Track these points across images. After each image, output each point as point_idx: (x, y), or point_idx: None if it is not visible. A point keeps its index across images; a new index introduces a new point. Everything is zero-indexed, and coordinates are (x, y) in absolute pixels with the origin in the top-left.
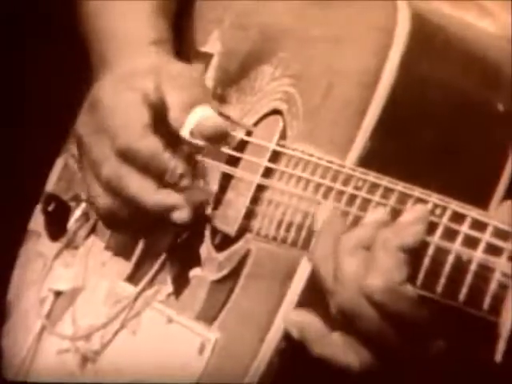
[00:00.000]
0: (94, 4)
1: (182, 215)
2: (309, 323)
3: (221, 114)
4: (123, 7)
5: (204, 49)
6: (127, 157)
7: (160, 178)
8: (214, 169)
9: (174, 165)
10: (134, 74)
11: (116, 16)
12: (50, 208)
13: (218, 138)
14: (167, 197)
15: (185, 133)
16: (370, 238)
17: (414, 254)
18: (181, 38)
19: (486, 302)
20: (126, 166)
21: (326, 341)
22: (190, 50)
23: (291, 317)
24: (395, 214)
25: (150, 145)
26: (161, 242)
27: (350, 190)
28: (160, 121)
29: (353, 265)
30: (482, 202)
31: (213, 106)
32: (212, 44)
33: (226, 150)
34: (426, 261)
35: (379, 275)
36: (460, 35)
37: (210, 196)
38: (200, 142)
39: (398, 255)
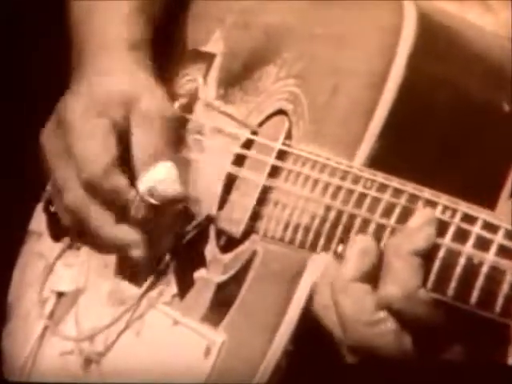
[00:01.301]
0: (77, 5)
1: (137, 253)
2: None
3: (225, 114)
4: (102, 9)
5: (206, 48)
6: (91, 189)
7: (122, 213)
8: (219, 169)
9: (138, 204)
10: (105, 99)
11: (95, 16)
12: (52, 208)
13: (173, 203)
14: (124, 234)
15: (142, 189)
16: (358, 270)
17: (426, 256)
18: (173, 40)
19: (498, 304)
20: (88, 196)
21: None
22: (182, 51)
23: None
24: (405, 215)
25: (114, 183)
26: (164, 243)
27: (357, 191)
28: (126, 149)
29: (348, 303)
30: (489, 201)
31: (176, 159)
32: (214, 44)
33: (231, 149)
34: (437, 264)
35: (395, 283)
36: (465, 35)
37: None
38: (154, 202)
39: (412, 260)
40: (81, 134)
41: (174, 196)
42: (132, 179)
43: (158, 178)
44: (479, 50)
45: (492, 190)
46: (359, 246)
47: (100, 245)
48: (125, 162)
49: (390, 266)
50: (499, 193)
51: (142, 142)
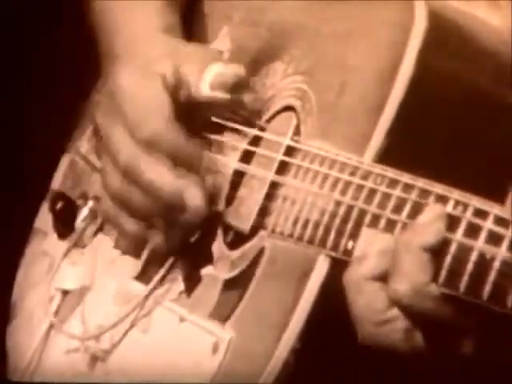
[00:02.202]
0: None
1: (197, 202)
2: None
3: (231, 112)
4: (131, 2)
5: (213, 45)
6: (149, 147)
7: (180, 167)
8: (227, 166)
9: (198, 155)
10: (150, 60)
11: (124, 9)
12: (58, 206)
13: (237, 87)
14: (185, 184)
15: (205, 88)
16: (375, 268)
17: (437, 251)
18: (190, 36)
19: (510, 299)
20: (145, 154)
21: None
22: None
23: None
24: (416, 210)
25: (174, 137)
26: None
27: (368, 186)
28: (181, 105)
29: (362, 303)
30: (499, 196)
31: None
32: (221, 41)
33: (239, 145)
34: (449, 259)
35: (405, 279)
36: (474, 32)
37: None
38: (221, 95)
39: (422, 255)
40: (133, 96)
41: (234, 76)
42: None
43: (214, 72)
44: (489, 46)
45: (502, 185)
46: (380, 246)
47: (154, 209)
48: None
49: (400, 261)
50: (508, 188)
51: (193, 64)
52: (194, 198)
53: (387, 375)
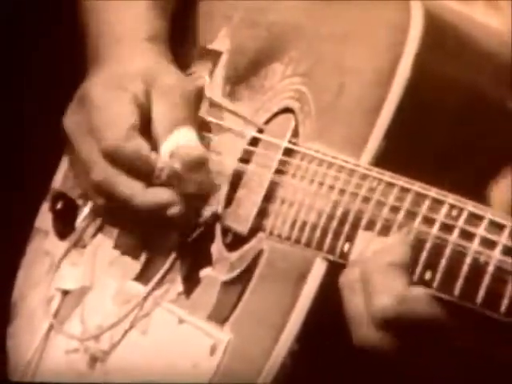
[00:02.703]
0: (91, 2)
1: (175, 210)
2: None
3: (231, 112)
4: (119, 3)
5: (212, 46)
6: (113, 158)
7: (148, 177)
8: (225, 167)
9: (161, 165)
10: (126, 75)
11: (111, 11)
12: (58, 206)
13: (195, 166)
14: (156, 195)
15: (164, 153)
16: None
17: (433, 256)
18: (183, 38)
19: (504, 304)
20: (113, 168)
21: None
22: (192, 50)
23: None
24: (411, 214)
25: (136, 146)
26: (170, 241)
27: (364, 189)
28: (146, 124)
29: (356, 300)
30: None
31: (196, 129)
32: (221, 41)
33: (237, 147)
34: (443, 263)
35: (382, 294)
36: (472, 33)
37: (205, 185)
38: (176, 166)
39: (391, 269)
40: (101, 105)
41: (197, 157)
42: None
43: (179, 142)
44: (487, 48)
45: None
46: (375, 248)
47: (135, 217)
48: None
49: (373, 280)
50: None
51: (163, 111)
52: (173, 207)
53: (384, 377)
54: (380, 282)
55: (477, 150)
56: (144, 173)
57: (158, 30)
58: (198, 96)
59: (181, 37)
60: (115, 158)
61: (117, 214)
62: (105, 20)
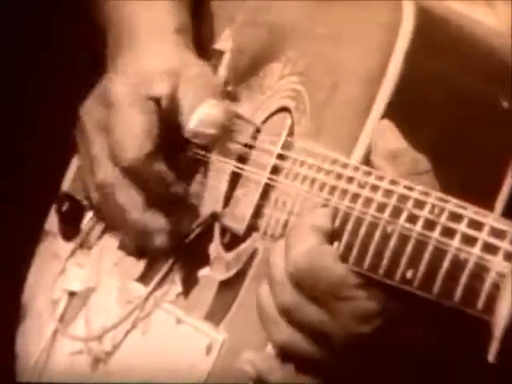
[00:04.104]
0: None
1: (159, 241)
2: (261, 359)
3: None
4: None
5: (216, 46)
6: (129, 174)
7: (154, 199)
8: (223, 166)
9: (175, 190)
10: (150, 76)
11: (137, 4)
12: (64, 208)
13: (221, 133)
14: (152, 220)
15: (191, 125)
16: None
17: (414, 254)
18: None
19: (481, 301)
20: (122, 178)
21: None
22: (201, 48)
23: (245, 357)
24: (397, 212)
25: (157, 169)
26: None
27: (353, 188)
28: (169, 127)
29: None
30: (488, 199)
31: (224, 103)
32: (224, 41)
33: (234, 147)
34: (424, 261)
35: (295, 248)
36: (465, 32)
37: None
38: (205, 134)
39: (310, 230)
40: (124, 117)
41: (219, 122)
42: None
43: (204, 111)
44: (480, 46)
45: (490, 187)
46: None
47: (121, 226)
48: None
49: (291, 238)
50: (497, 190)
51: (189, 94)
52: (159, 238)
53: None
54: (296, 238)
55: (467, 147)
56: (154, 194)
57: (184, 22)
58: (221, 88)
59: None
60: (131, 176)
61: (106, 215)
62: (131, 13)
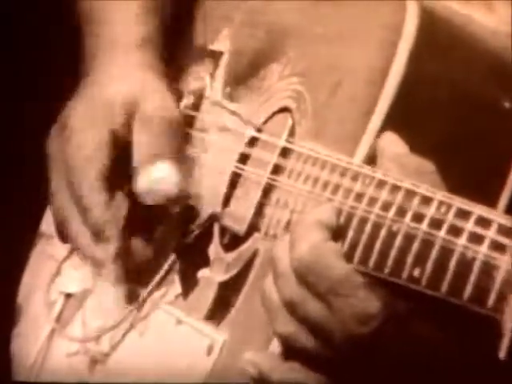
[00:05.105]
0: (88, 7)
1: (111, 269)
2: (263, 358)
3: (231, 112)
4: (113, 9)
5: (214, 47)
6: (75, 200)
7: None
8: (224, 168)
9: (109, 227)
10: (108, 102)
11: (106, 12)
12: None
13: (171, 202)
14: (97, 251)
15: (140, 187)
16: None
17: (420, 252)
18: (183, 38)
19: (491, 299)
20: (72, 204)
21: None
22: (191, 51)
23: (247, 357)
24: (401, 211)
25: (95, 201)
26: (169, 242)
27: (357, 187)
28: (126, 154)
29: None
30: (491, 198)
31: (177, 160)
32: (222, 42)
33: (235, 147)
34: (431, 259)
35: (300, 243)
36: (467, 32)
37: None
38: (149, 201)
39: (315, 224)
40: (76, 141)
41: (169, 195)
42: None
43: (155, 176)
44: (482, 47)
45: (493, 186)
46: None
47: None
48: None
49: (296, 232)
50: (501, 190)
51: (143, 142)
52: (104, 269)
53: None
54: (301, 233)
55: (470, 148)
56: (94, 226)
57: (150, 34)
58: (181, 122)
59: (178, 38)
60: (76, 200)
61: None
62: (99, 26)
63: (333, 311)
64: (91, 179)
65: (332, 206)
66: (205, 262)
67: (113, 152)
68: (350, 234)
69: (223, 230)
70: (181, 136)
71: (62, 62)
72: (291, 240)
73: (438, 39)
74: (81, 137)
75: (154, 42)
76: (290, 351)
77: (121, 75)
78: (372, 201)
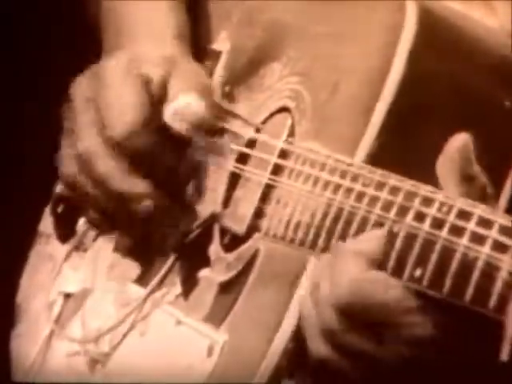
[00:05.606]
0: None
1: (144, 208)
2: None
3: (228, 113)
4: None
5: (213, 46)
6: (112, 146)
7: (136, 165)
8: (222, 167)
9: (167, 163)
10: (148, 58)
11: (135, 4)
12: (59, 209)
13: (196, 127)
14: (133, 184)
15: (167, 114)
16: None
17: (422, 253)
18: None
19: (492, 300)
20: (104, 147)
21: None
22: (198, 48)
23: None
24: (402, 212)
25: (142, 143)
26: (169, 243)
27: (357, 187)
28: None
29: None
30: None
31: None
32: (221, 42)
33: (235, 147)
34: (433, 260)
35: (340, 279)
36: (467, 32)
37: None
38: (179, 127)
39: (356, 256)
40: (115, 91)
41: (195, 119)
42: None
43: (183, 101)
44: (482, 47)
45: (494, 185)
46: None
47: (97, 200)
48: None
49: (336, 265)
50: (500, 190)
51: (179, 81)
52: (143, 204)
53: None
54: (341, 266)
55: None
56: (138, 162)
57: (182, 25)
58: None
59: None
60: (114, 147)
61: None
62: (130, 11)
63: (382, 341)
64: (135, 123)
65: (378, 236)
66: (205, 262)
67: (150, 102)
68: (351, 234)
69: (223, 231)
70: (211, 101)
71: (62, 62)
72: (331, 272)
73: (437, 39)
74: (119, 83)
75: (187, 34)
76: (323, 369)
77: (160, 42)
78: (373, 200)
